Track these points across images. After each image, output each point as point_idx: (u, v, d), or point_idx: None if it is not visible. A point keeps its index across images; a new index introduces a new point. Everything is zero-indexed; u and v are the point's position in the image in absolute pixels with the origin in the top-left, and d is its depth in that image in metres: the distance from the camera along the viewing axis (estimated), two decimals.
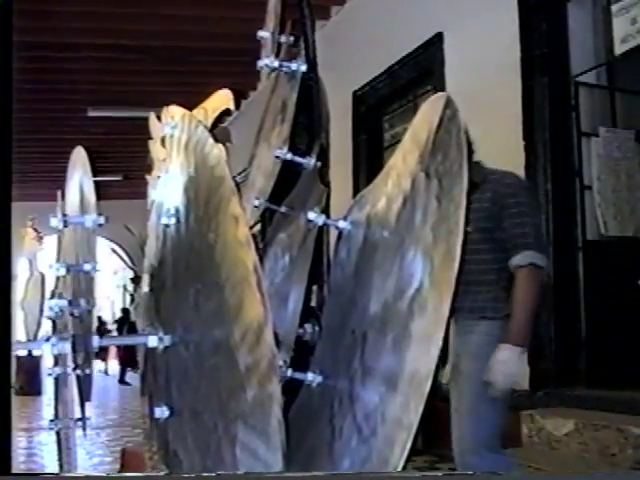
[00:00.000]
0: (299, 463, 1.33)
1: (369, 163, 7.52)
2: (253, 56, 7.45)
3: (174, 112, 1.55)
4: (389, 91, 7.30)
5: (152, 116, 5.29)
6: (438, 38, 6.32)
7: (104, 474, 4.89)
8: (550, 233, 5.15)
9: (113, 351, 18.95)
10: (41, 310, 15.67)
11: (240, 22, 7.99)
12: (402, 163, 1.28)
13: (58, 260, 1.47)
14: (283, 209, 1.73)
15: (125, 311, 18.62)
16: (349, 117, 7.53)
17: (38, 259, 17.00)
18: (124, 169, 14.17)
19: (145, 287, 1.95)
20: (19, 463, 7.40)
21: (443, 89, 6.27)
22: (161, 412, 1.68)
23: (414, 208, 1.18)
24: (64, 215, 1.51)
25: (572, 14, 5.42)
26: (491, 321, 3.01)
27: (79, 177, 1.75)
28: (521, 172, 5.26)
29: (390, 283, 1.21)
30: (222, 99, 6.45)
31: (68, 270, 1.45)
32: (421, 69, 6.74)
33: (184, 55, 8.76)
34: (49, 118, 11.29)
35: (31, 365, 13.49)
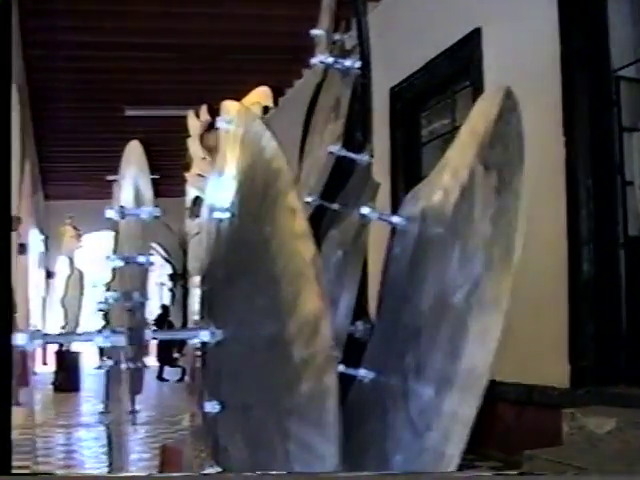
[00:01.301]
0: (350, 459, 1.33)
1: (406, 160, 7.51)
2: (289, 53, 7.51)
3: (229, 107, 1.56)
4: (426, 87, 7.28)
5: (190, 114, 5.33)
6: (476, 33, 6.30)
7: (138, 473, 4.91)
8: (591, 229, 5.11)
9: (152, 347, 19.08)
10: (80, 307, 15.85)
11: (276, 20, 8.03)
12: (459, 156, 1.27)
13: (115, 252, 1.48)
14: (335, 206, 1.73)
15: (164, 308, 18.71)
16: (386, 113, 7.52)
17: (77, 256, 17.18)
18: (161, 167, 14.28)
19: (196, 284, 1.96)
20: (58, 460, 7.46)
21: (481, 85, 6.25)
22: (212, 407, 1.69)
23: (472, 201, 1.17)
24: (121, 207, 1.52)
25: (612, 7, 5.37)
26: None
27: (135, 170, 1.77)
28: (562, 168, 5.24)
29: (447, 277, 1.20)
30: (261, 96, 6.48)
31: (124, 262, 1.46)
32: (459, 65, 6.72)
33: (220, 53, 8.80)
34: (86, 118, 11.39)
35: (70, 361, 13.62)
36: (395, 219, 1.47)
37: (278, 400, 1.28)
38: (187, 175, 7.96)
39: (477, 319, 1.09)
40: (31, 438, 7.13)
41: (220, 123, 1.57)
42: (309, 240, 1.17)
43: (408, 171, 7.43)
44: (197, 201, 7.49)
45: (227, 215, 1.56)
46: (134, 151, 1.81)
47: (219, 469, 1.73)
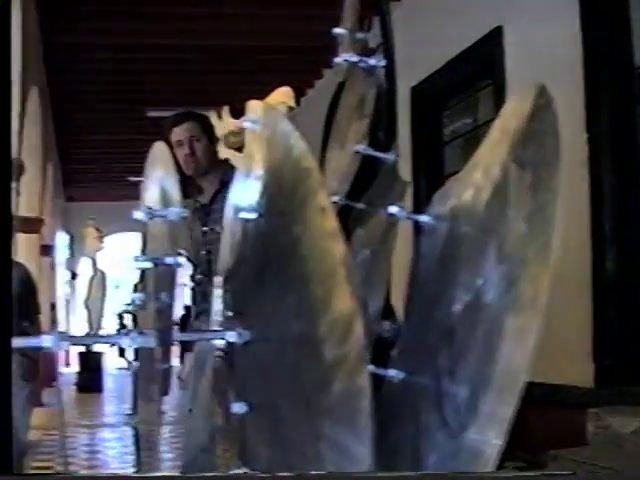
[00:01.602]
0: (382, 460, 1.32)
1: (428, 159, 7.48)
2: (310, 54, 7.49)
3: (255, 106, 1.55)
4: (448, 86, 7.26)
5: (213, 115, 5.35)
6: (498, 32, 6.27)
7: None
8: (615, 228, 5.07)
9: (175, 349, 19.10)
10: (102, 308, 15.96)
11: (296, 20, 8.03)
12: (490, 154, 1.26)
13: (143, 253, 1.48)
14: (361, 205, 1.72)
15: (187, 309, 18.72)
16: (407, 113, 7.49)
17: (99, 258, 17.30)
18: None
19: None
20: (81, 460, 7.50)
21: (504, 83, 6.23)
22: (239, 408, 1.68)
23: (506, 199, 1.16)
24: (149, 208, 1.52)
25: (634, 4, 5.33)
26: None
27: (161, 172, 1.76)
28: (584, 166, 5.20)
29: (480, 276, 1.19)
30: (284, 96, 6.48)
31: (152, 264, 1.45)
32: (481, 63, 6.69)
33: (241, 54, 8.81)
34: (108, 119, 11.44)
35: (93, 362, 13.70)
36: (423, 218, 1.46)
37: (309, 401, 1.28)
38: None
39: (514, 318, 1.08)
40: (59, 438, 7.17)
41: (246, 123, 1.57)
42: (339, 239, 1.16)
43: (430, 171, 7.40)
44: None
45: (254, 215, 1.56)
46: (159, 152, 1.81)
47: (246, 469, 1.73)
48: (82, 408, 11.58)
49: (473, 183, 1.30)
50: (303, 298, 1.29)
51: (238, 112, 5.19)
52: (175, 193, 1.62)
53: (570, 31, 5.33)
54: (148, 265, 1.46)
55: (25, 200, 6.80)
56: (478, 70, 6.79)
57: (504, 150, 1.20)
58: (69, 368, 15.58)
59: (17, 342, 3.03)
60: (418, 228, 1.54)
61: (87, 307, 15.55)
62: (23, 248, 7.98)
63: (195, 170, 3.70)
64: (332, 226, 1.18)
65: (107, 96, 10.39)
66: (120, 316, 15.06)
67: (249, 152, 1.67)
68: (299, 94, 8.97)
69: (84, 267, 17.74)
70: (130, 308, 1.79)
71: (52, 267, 12.91)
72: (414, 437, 1.32)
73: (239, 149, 4.78)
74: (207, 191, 3.85)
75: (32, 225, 9.45)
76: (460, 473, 1.15)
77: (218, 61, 9.06)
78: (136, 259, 1.47)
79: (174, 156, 3.68)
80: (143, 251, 1.60)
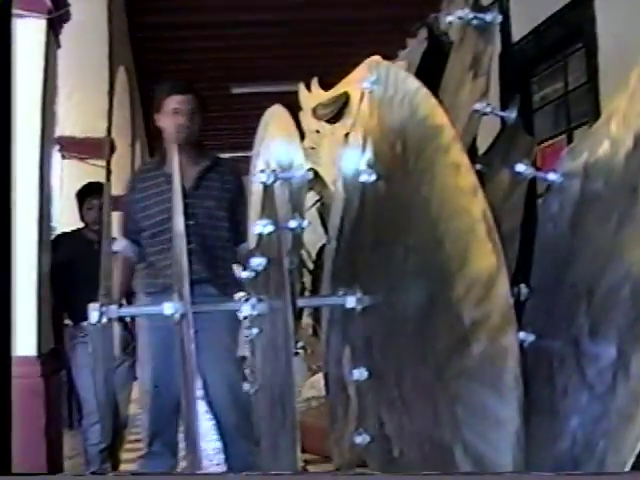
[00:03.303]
0: None
1: None
2: (393, 24, 7.37)
3: (375, 66, 1.52)
4: (536, 52, 7.08)
5: (302, 87, 5.29)
6: None
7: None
8: None
9: None
10: None
11: None
12: (628, 104, 1.20)
13: (262, 217, 1.46)
14: (478, 167, 1.68)
15: None
16: (496, 80, 7.35)
17: None
18: None
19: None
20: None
21: (595, 48, 6.05)
22: (359, 374, 1.66)
23: None
24: (273, 171, 1.49)
25: None
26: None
27: (279, 135, 1.74)
28: None
29: (622, 232, 1.14)
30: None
31: (275, 227, 1.44)
32: (570, 28, 6.51)
33: (325, 27, 8.76)
34: None
35: None
36: (552, 176, 1.41)
37: (442, 363, 1.25)
38: None
39: None
40: None
41: (365, 84, 1.53)
42: (477, 195, 1.12)
43: None
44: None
45: (373, 178, 1.53)
46: (277, 116, 1.79)
47: (368, 438, 1.71)
48: None
49: (609, 136, 1.25)
50: (433, 259, 1.26)
51: (327, 85, 5.13)
52: (298, 156, 1.60)
53: None
54: (271, 229, 1.44)
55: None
56: (567, 35, 6.60)
57: None
58: None
59: (136, 310, 3.08)
60: (533, 185, 1.49)
61: None
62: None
63: (185, 140, 3.62)
64: (469, 182, 1.14)
65: (191, 75, 10.39)
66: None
67: (364, 114, 1.64)
68: None
69: None
70: (247, 274, 1.76)
71: None
72: (549, 400, 1.28)
73: (328, 121, 4.73)
74: (187, 173, 3.66)
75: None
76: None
77: (300, 35, 9.02)
78: (258, 223, 1.45)
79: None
80: (262, 215, 1.58)
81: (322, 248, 6.13)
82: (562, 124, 6.47)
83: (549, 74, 7.26)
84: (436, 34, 3.01)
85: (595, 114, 5.90)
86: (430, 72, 2.12)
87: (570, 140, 6.42)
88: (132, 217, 3.68)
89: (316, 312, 4.88)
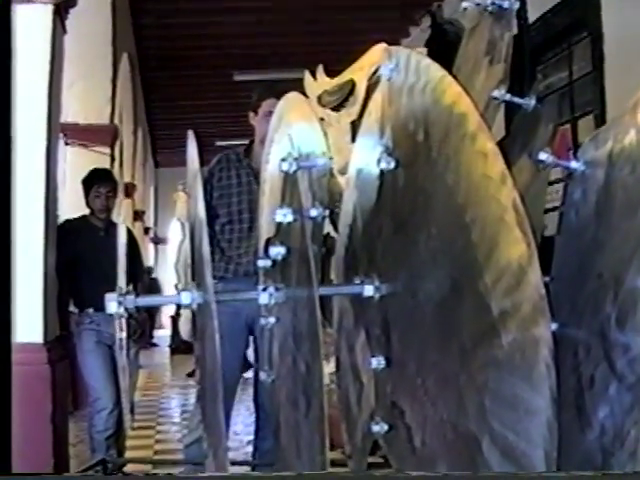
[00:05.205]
0: None
1: None
2: (398, 11, 7.34)
3: (394, 53, 1.50)
4: (542, 40, 7.05)
5: (307, 74, 5.28)
6: None
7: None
8: None
9: None
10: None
11: None
12: None
13: (282, 206, 1.45)
14: None
15: None
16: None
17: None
18: None
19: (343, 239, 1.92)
20: (178, 420, 7.63)
21: (600, 36, 6.03)
22: (378, 362, 1.65)
23: None
24: (295, 159, 1.48)
25: None
26: None
27: (298, 122, 1.72)
28: None
29: None
30: (378, 54, 6.39)
31: (296, 216, 1.42)
32: (576, 16, 6.49)
33: (329, 14, 8.73)
34: (195, 85, 11.47)
35: None
36: (574, 164, 1.40)
37: (469, 353, 1.24)
38: None
39: None
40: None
41: (384, 70, 1.52)
42: (506, 183, 1.11)
43: None
44: None
45: (392, 165, 1.51)
46: (296, 104, 1.77)
47: (386, 426, 1.70)
48: (176, 369, 11.78)
49: (636, 125, 1.23)
50: (458, 247, 1.25)
51: (332, 72, 5.13)
52: (320, 144, 1.58)
53: None
54: (291, 218, 1.43)
55: (118, 165, 6.91)
56: (573, 23, 6.58)
57: None
58: (162, 331, 15.86)
59: (153, 300, 3.07)
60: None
61: (177, 272, 15.72)
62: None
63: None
64: (498, 170, 1.13)
65: (194, 61, 10.39)
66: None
67: (377, 103, 1.62)
68: None
69: (174, 232, 18.00)
70: (262, 263, 1.75)
71: (146, 232, 13.10)
72: (575, 390, 1.27)
73: (333, 108, 4.70)
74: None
75: (126, 191, 9.59)
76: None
77: (304, 22, 9.00)
78: (276, 213, 1.44)
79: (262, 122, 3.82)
80: (282, 204, 1.56)
81: (325, 238, 6.14)
82: (566, 113, 6.46)
83: (554, 62, 7.24)
84: (439, 22, 3.00)
85: (600, 103, 5.90)
86: (434, 60, 2.11)
87: (574, 129, 6.41)
88: (207, 202, 3.81)
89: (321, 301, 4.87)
